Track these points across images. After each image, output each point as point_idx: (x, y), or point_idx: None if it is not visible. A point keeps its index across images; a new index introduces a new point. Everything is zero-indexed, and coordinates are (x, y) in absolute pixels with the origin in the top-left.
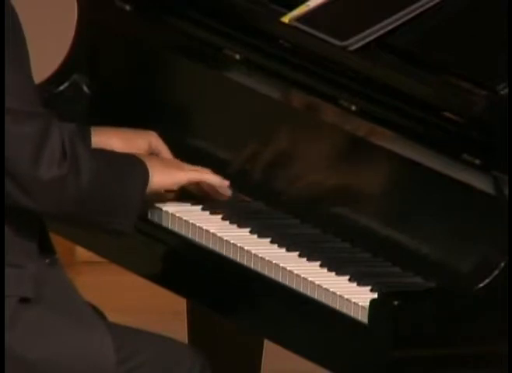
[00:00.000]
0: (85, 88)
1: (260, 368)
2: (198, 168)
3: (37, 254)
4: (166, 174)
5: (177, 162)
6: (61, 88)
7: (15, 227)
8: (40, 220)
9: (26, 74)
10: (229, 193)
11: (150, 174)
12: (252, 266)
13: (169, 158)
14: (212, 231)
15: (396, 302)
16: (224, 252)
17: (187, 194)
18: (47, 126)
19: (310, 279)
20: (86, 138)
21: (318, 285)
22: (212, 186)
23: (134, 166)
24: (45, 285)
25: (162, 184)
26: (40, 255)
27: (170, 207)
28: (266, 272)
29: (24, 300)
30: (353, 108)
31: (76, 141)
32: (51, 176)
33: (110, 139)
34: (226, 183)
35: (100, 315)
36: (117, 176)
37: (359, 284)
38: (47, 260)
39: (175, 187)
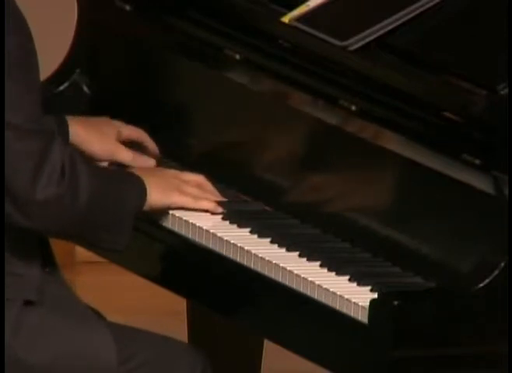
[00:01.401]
0: (85, 88)
1: (260, 368)
2: (192, 176)
3: (38, 263)
4: (163, 195)
5: (176, 175)
6: (61, 88)
7: (16, 237)
8: None
9: (33, 90)
10: (219, 211)
11: (148, 193)
12: (252, 266)
13: (168, 170)
14: (212, 231)
15: (396, 302)
16: (224, 252)
17: None
18: (48, 144)
19: (310, 279)
20: (64, 130)
21: (318, 285)
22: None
23: (132, 185)
24: (46, 290)
25: (157, 204)
26: (40, 264)
27: None
28: (266, 272)
29: (28, 303)
30: (353, 108)
31: (76, 159)
32: (48, 195)
33: (80, 129)
34: (220, 209)
35: (100, 316)
36: (115, 196)
37: (359, 284)
38: (47, 269)
39: (168, 208)
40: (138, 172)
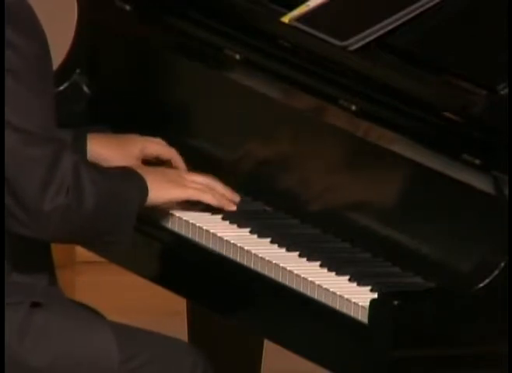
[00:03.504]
0: (85, 88)
1: (260, 368)
2: (200, 178)
3: (46, 271)
4: (165, 190)
5: (179, 174)
6: (61, 88)
7: (25, 249)
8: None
9: (46, 97)
10: (232, 208)
11: (149, 189)
12: (252, 266)
13: (171, 169)
14: (212, 231)
15: (396, 302)
16: (224, 252)
17: None
18: (58, 153)
19: (310, 279)
20: (83, 147)
21: (318, 285)
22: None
23: (133, 184)
24: (51, 292)
25: (159, 200)
26: (48, 271)
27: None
28: (266, 272)
29: (35, 305)
30: (353, 108)
31: (81, 167)
32: (56, 206)
33: (101, 148)
34: (224, 203)
35: (100, 316)
36: (118, 198)
37: (359, 284)
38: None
39: (171, 203)
40: (139, 170)
